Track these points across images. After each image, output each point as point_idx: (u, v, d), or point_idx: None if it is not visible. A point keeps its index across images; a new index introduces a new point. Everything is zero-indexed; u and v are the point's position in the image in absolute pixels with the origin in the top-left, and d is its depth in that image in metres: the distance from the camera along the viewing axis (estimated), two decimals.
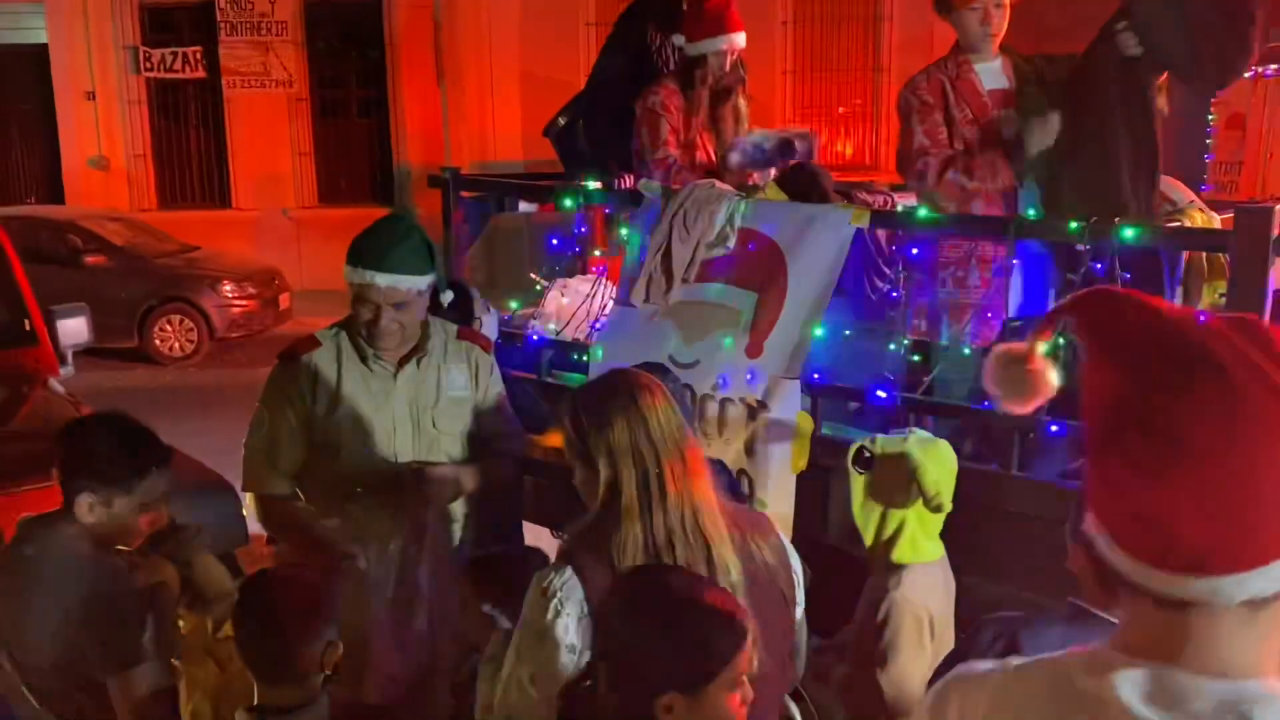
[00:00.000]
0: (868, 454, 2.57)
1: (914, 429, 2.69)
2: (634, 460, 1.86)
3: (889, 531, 2.55)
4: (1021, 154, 3.32)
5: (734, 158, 3.95)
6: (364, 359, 2.78)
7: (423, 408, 2.82)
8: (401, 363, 2.80)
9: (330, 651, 2.09)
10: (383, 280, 2.66)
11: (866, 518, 2.58)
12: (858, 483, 2.58)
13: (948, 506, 2.51)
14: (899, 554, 2.54)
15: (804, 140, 4.02)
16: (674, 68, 4.36)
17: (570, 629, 1.82)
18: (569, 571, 1.84)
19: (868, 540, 2.59)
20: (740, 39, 4.18)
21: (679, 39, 4.23)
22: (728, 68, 4.18)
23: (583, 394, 2.01)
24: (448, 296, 2.92)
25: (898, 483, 2.53)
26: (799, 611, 2.05)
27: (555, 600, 1.83)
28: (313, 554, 2.70)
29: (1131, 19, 3.07)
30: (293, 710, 2.05)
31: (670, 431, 1.89)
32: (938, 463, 2.54)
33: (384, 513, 2.74)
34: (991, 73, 3.47)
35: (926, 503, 2.50)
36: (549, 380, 3.83)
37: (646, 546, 1.83)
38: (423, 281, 2.72)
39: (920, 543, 2.55)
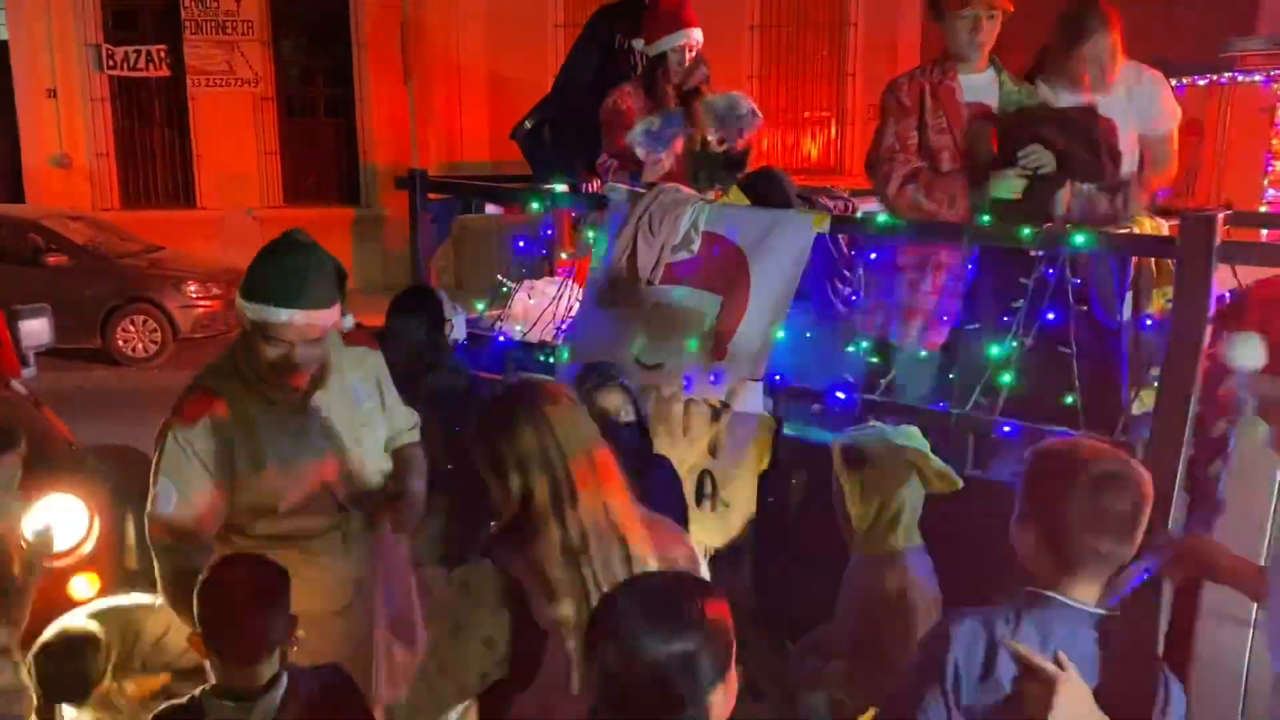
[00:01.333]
0: (855, 454, 2.63)
1: (873, 423, 2.76)
2: (542, 465, 1.86)
3: (887, 518, 2.64)
4: (980, 176, 3.36)
5: (638, 152, 3.96)
6: (268, 398, 2.49)
7: (343, 430, 2.59)
8: (308, 391, 2.54)
9: (291, 627, 2.17)
10: (301, 318, 2.36)
11: (865, 511, 2.66)
12: (854, 482, 2.65)
13: (958, 481, 2.60)
14: (898, 540, 2.65)
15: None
16: (639, 69, 4.40)
17: (485, 621, 1.84)
18: (486, 564, 1.87)
19: (862, 528, 2.67)
20: (697, 34, 4.22)
21: (639, 43, 4.26)
22: (688, 63, 4.22)
23: (487, 407, 1.99)
24: (349, 322, 2.63)
25: (896, 474, 2.64)
26: None
27: (475, 593, 1.86)
28: None
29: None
30: (257, 693, 2.11)
31: (576, 434, 1.90)
32: (923, 445, 2.67)
33: (339, 551, 2.58)
34: (975, 85, 3.49)
35: (944, 482, 2.59)
36: None
37: (565, 548, 1.83)
38: (337, 312, 2.47)
39: (913, 527, 2.66)
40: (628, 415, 2.74)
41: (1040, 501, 1.86)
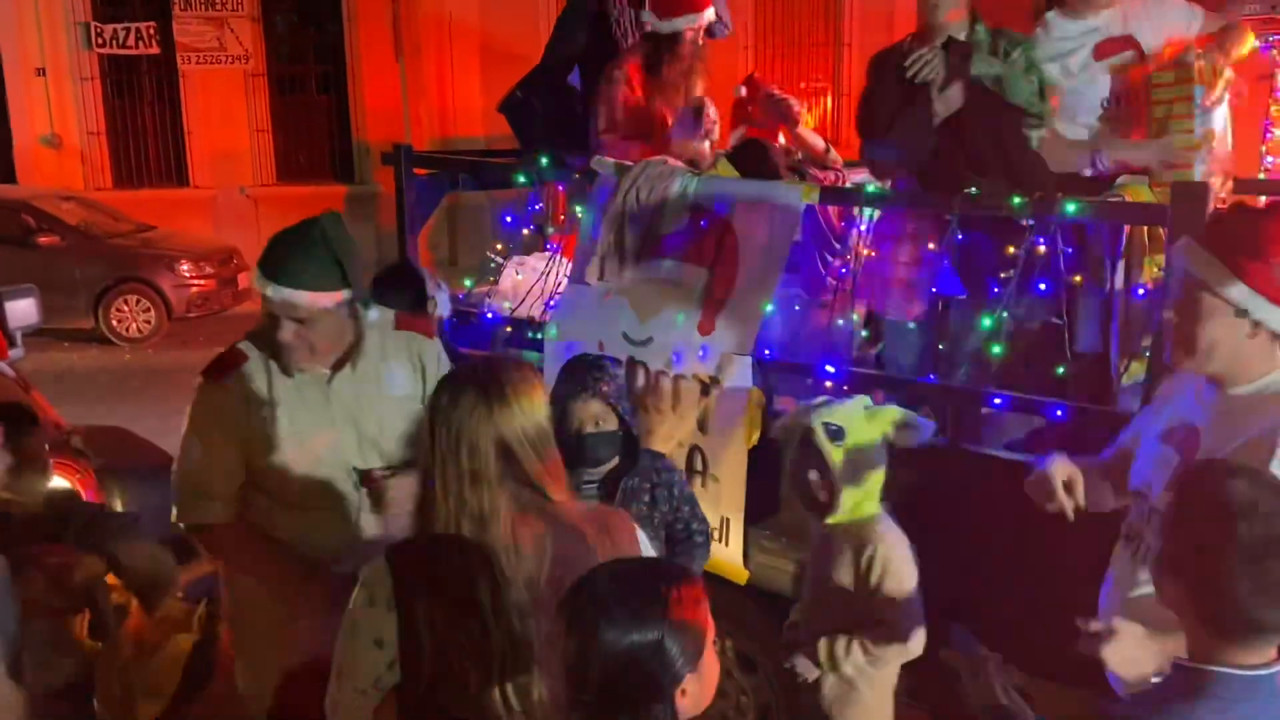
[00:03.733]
0: (834, 425, 2.60)
1: (858, 396, 2.72)
2: (425, 461, 1.84)
3: (865, 488, 2.63)
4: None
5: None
6: (290, 369, 2.56)
7: (364, 412, 2.61)
8: (335, 368, 2.60)
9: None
10: (276, 294, 2.43)
11: (852, 484, 2.64)
12: (837, 452, 2.62)
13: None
14: (874, 506, 2.65)
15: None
16: (637, 41, 4.31)
17: (374, 622, 1.83)
18: (381, 563, 1.86)
19: (847, 503, 2.64)
20: (710, 14, 4.17)
21: (649, 16, 4.15)
22: (700, 45, 4.16)
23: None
24: (373, 315, 2.64)
25: (875, 450, 2.62)
26: None
27: (368, 592, 1.85)
28: (274, 575, 2.57)
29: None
30: None
31: (468, 438, 1.80)
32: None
33: (335, 528, 2.58)
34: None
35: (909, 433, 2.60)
36: None
37: (427, 548, 1.82)
38: (329, 298, 2.46)
39: (877, 495, 2.67)
40: (606, 424, 2.60)
41: (1193, 546, 1.52)
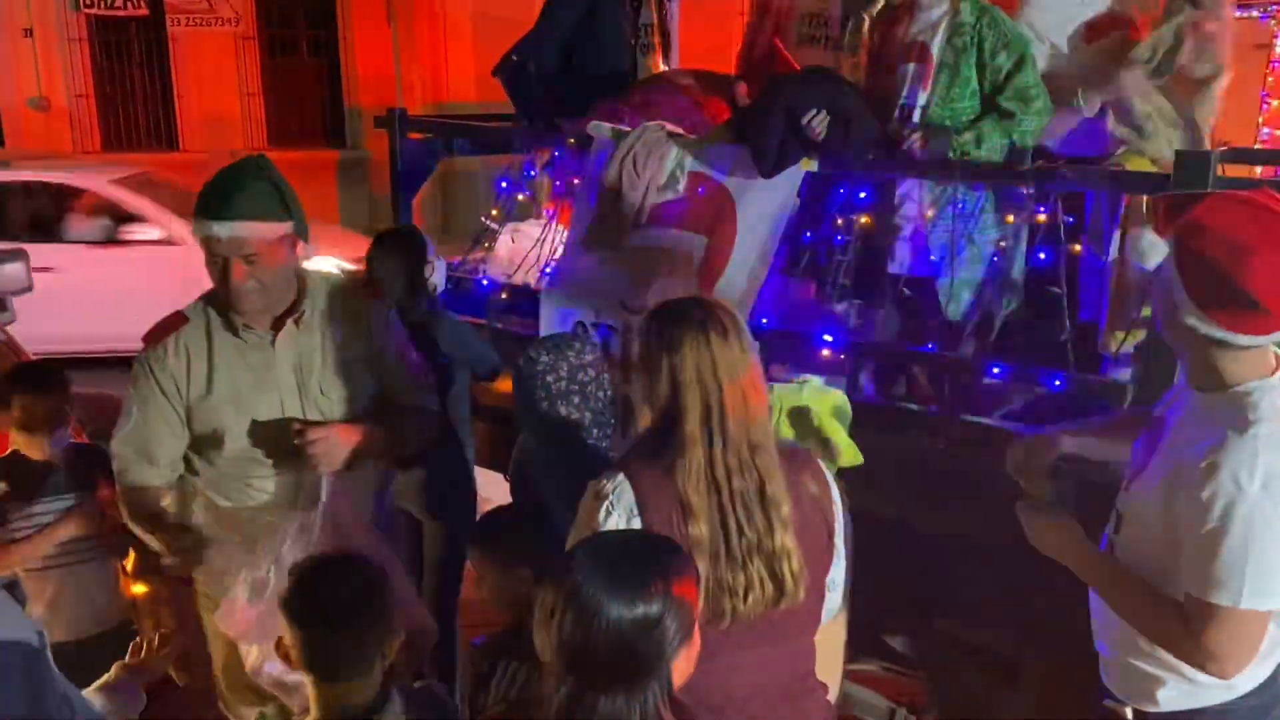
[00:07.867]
0: None
1: (807, 376, 2.64)
2: (700, 392, 1.88)
3: None
4: None
5: None
6: (234, 329, 2.49)
7: (308, 373, 2.53)
8: (277, 326, 2.51)
9: (394, 635, 1.91)
10: (223, 230, 2.35)
11: None
12: None
13: (856, 459, 2.46)
14: None
15: None
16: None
17: (618, 527, 1.90)
18: (621, 477, 1.93)
19: None
20: None
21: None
22: None
23: (657, 317, 1.97)
24: (308, 251, 2.55)
25: (802, 437, 2.48)
26: (838, 545, 2.02)
27: (607, 502, 1.91)
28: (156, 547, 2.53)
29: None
30: (361, 716, 1.86)
31: (735, 366, 1.90)
32: (840, 417, 2.52)
33: (292, 503, 2.51)
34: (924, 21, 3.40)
35: (831, 458, 2.44)
36: (498, 326, 3.81)
37: (708, 475, 1.88)
38: (275, 228, 2.40)
39: None
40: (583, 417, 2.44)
41: None
